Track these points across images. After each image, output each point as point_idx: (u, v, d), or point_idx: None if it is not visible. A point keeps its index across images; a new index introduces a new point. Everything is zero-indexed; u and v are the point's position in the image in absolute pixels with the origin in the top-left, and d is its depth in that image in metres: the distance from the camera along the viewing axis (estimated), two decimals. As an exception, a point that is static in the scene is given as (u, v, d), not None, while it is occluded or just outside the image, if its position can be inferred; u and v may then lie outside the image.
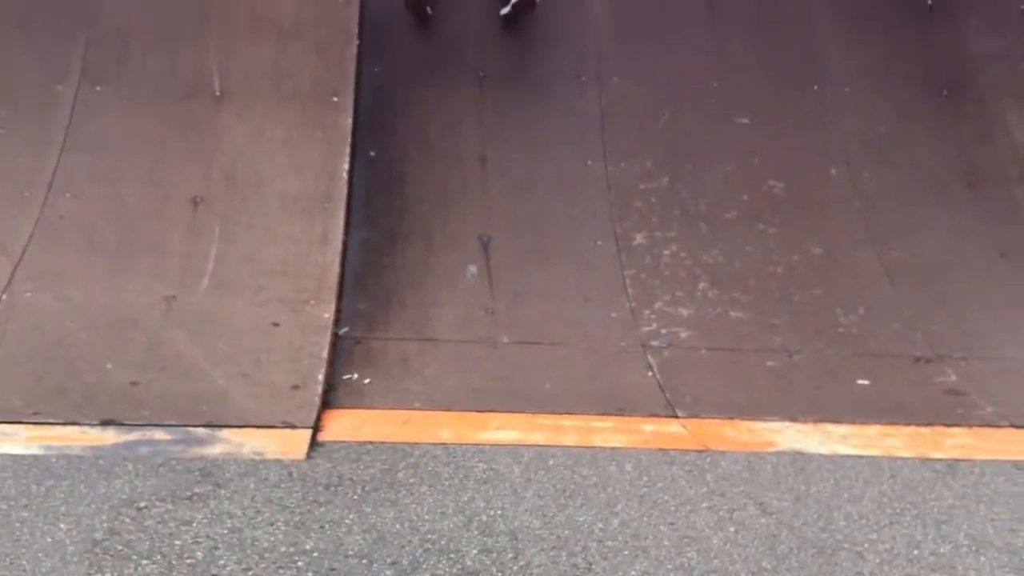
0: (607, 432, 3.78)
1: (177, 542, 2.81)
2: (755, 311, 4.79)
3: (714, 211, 5.29)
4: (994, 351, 4.59)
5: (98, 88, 5.18)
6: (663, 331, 4.63)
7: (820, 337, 4.64)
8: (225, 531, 2.90)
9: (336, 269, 4.65)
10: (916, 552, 2.98)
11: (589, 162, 5.45)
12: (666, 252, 5.08)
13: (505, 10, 5.73)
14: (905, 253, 5.14)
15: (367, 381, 4.16)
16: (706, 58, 5.83)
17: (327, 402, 3.92)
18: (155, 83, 5.22)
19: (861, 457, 3.64)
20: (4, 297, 4.28)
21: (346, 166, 5.07)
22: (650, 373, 4.34)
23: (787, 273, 5.01)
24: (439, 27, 5.80)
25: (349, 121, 5.23)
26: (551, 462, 3.47)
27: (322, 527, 2.95)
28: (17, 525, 2.86)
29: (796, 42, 5.89)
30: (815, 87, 5.76)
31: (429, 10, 5.70)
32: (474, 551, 2.86)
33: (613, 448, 3.62)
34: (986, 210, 5.37)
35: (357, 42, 5.49)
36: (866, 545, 3.01)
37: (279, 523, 2.96)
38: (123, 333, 4.16)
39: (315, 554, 2.80)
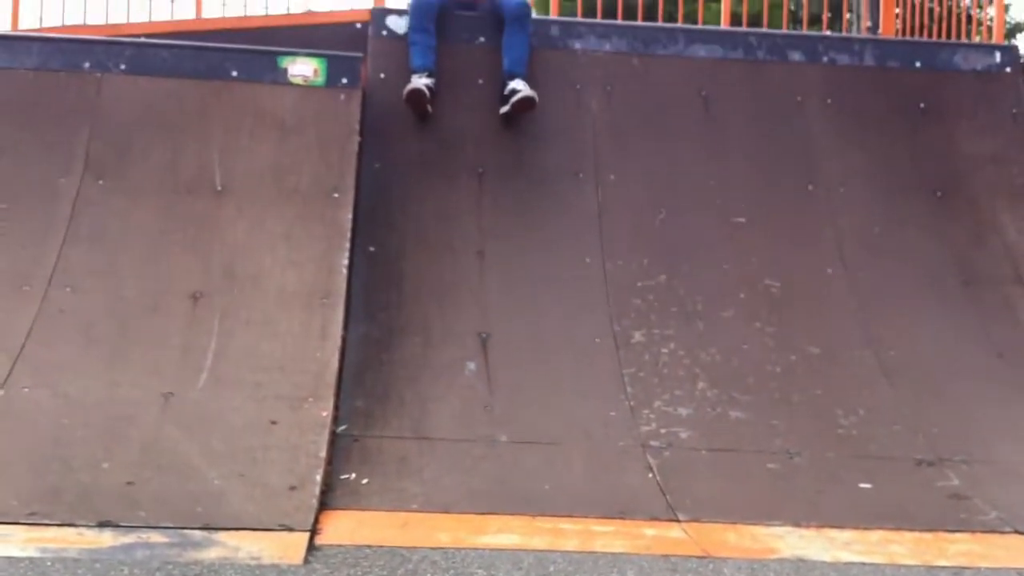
0: (608, 537, 3.74)
1: (173, 652, 2.75)
2: (754, 411, 4.77)
3: (712, 309, 5.30)
4: (995, 454, 4.57)
5: (100, 182, 5.22)
6: (662, 431, 4.61)
7: (820, 439, 4.62)
8: (222, 641, 2.84)
9: (334, 365, 4.63)
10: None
11: (587, 259, 5.47)
12: (664, 350, 5.08)
13: (505, 109, 5.80)
14: (903, 353, 5.14)
15: (365, 481, 4.12)
16: (702, 157, 5.90)
17: (324, 503, 3.87)
18: (157, 177, 5.26)
19: (865, 564, 3.60)
20: (1, 393, 4.25)
21: (345, 261, 5.09)
22: (650, 475, 4.30)
23: (786, 372, 5.01)
24: (439, 124, 5.87)
25: (349, 216, 5.27)
26: (552, 568, 3.42)
27: (320, 637, 2.90)
28: (9, 633, 2.80)
29: (791, 142, 5.97)
30: (810, 187, 5.83)
31: (429, 108, 5.77)
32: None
33: (615, 554, 3.57)
34: (982, 310, 5.40)
35: (358, 138, 5.56)
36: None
37: (277, 632, 2.91)
38: (119, 430, 4.12)
39: (314, 666, 2.74)
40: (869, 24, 10.24)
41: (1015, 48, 6.56)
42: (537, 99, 5.76)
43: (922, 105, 6.13)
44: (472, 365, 4.92)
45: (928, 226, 5.74)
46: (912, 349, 5.16)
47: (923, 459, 4.51)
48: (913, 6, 8.01)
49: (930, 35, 7.67)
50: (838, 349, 5.15)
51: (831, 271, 5.52)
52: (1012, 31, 20.61)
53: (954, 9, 7.49)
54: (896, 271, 5.53)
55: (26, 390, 4.28)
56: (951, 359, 5.13)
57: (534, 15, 6.25)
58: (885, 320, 5.31)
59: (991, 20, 7.41)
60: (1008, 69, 6.26)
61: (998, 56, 6.29)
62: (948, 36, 7.50)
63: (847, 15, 10.22)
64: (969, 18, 7.55)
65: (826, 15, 9.59)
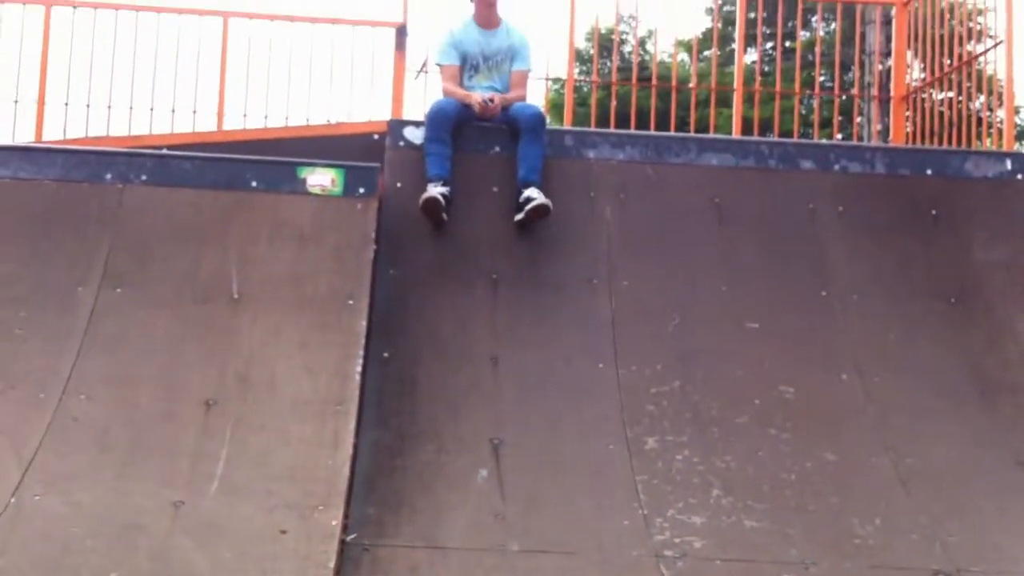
0: (620, 651, 3.68)
1: None
2: (770, 520, 4.72)
3: (726, 416, 5.28)
4: (1014, 564, 4.49)
5: (118, 290, 5.29)
6: (676, 540, 4.55)
7: (836, 549, 4.55)
8: None
9: (345, 473, 4.62)
10: None
11: (600, 365, 5.48)
12: (678, 457, 5.05)
13: (519, 217, 5.88)
14: (919, 461, 5.09)
15: (375, 593, 4.08)
16: (715, 263, 5.94)
17: (334, 614, 3.84)
18: (175, 286, 5.34)
19: None
20: (13, 500, 4.26)
21: (359, 368, 5.12)
22: (664, 586, 4.25)
23: (801, 480, 4.96)
24: (454, 231, 5.94)
25: (364, 323, 5.32)
26: None
27: None
28: None
29: (804, 249, 6.01)
30: (823, 293, 5.84)
31: (445, 216, 5.86)
32: None
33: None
34: (999, 418, 5.35)
35: (374, 247, 5.63)
36: None
37: None
38: (130, 539, 4.11)
39: None
40: (880, 127, 10.39)
41: (1026, 156, 6.62)
42: (551, 207, 5.84)
43: (934, 212, 6.17)
44: (484, 472, 4.90)
45: (943, 333, 5.72)
46: (929, 457, 5.11)
47: (941, 570, 4.44)
48: (923, 110, 8.12)
49: (940, 139, 7.75)
50: (854, 456, 5.10)
51: (846, 377, 5.50)
52: (1022, 134, 20.80)
53: (964, 112, 7.58)
54: (911, 378, 5.50)
55: (37, 498, 4.28)
56: (969, 467, 5.07)
57: (548, 125, 6.37)
58: (901, 427, 5.27)
59: (1001, 122, 7.49)
60: (1019, 176, 6.31)
61: (1009, 163, 6.35)
62: (959, 139, 7.58)
63: (858, 119, 10.38)
64: (979, 121, 7.62)
65: (837, 119, 9.72)
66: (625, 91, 9.29)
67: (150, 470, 4.50)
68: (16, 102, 7.52)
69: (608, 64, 13.07)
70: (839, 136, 13.69)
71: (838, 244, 6.03)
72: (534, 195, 5.85)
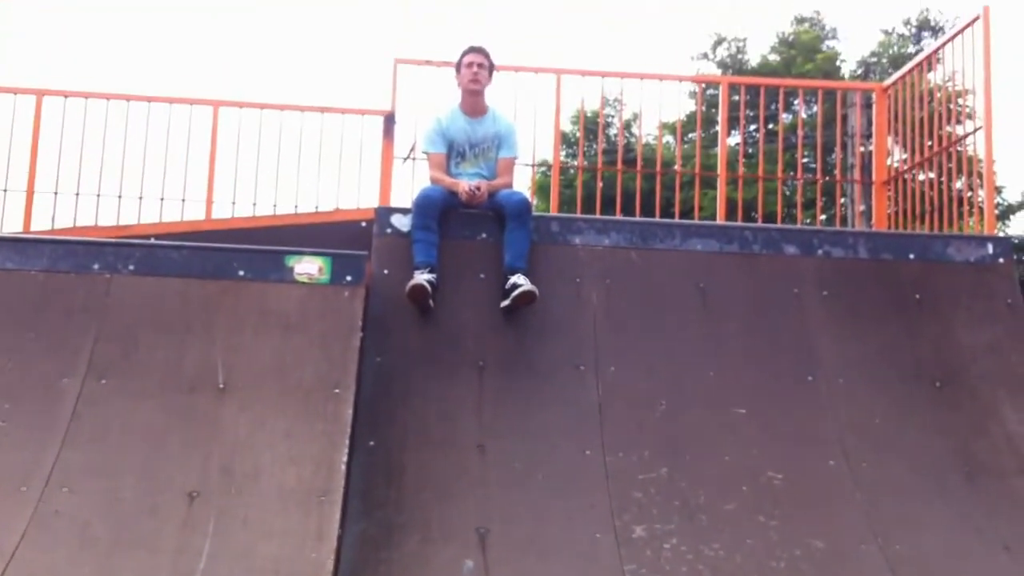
0: None
1: None
2: (759, 609, 4.67)
3: (714, 503, 5.25)
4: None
5: (103, 381, 5.28)
6: (666, 632, 4.51)
7: (827, 639, 4.51)
8: None
9: (329, 567, 4.57)
10: None
11: (587, 452, 5.46)
12: (666, 546, 5.01)
13: (506, 303, 5.90)
14: (908, 547, 5.06)
15: None
16: (701, 348, 5.96)
17: None
18: (160, 376, 5.32)
19: None
20: (-7, 597, 4.21)
21: (345, 458, 5.09)
22: None
23: (790, 568, 4.92)
24: (441, 318, 5.95)
25: (350, 412, 5.30)
26: None
27: None
28: None
29: (789, 333, 6.04)
30: (809, 378, 5.85)
31: (432, 302, 5.88)
32: None
33: None
34: (987, 503, 5.33)
35: (360, 334, 5.63)
36: None
37: None
38: (111, 638, 4.05)
39: None
40: (863, 208, 10.49)
41: (1007, 239, 6.68)
42: (537, 293, 5.87)
43: (918, 296, 6.22)
44: (470, 563, 4.85)
45: (929, 417, 5.73)
46: (918, 543, 5.09)
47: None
48: (904, 193, 8.21)
49: (923, 220, 7.83)
50: (843, 543, 5.08)
51: (833, 463, 5.49)
52: (1005, 213, 21.04)
53: (945, 192, 7.67)
54: (899, 463, 5.50)
55: (19, 595, 4.23)
56: (958, 553, 5.04)
57: (535, 209, 6.43)
58: (890, 513, 5.25)
59: (983, 202, 7.58)
60: (1001, 260, 6.36)
61: (990, 247, 6.41)
62: (941, 219, 7.66)
63: (841, 200, 10.49)
64: (961, 201, 7.71)
65: (820, 201, 9.83)
66: (611, 174, 9.39)
67: (131, 566, 4.44)
68: (5, 191, 7.57)
69: (594, 146, 13.22)
70: (822, 217, 13.82)
71: (823, 328, 6.06)
72: (520, 281, 5.88)
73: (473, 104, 6.49)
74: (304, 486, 4.91)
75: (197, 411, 5.20)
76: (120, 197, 7.64)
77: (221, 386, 5.32)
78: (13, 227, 7.41)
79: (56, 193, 7.65)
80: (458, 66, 6.50)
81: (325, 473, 5.00)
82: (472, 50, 6.45)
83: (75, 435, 5.02)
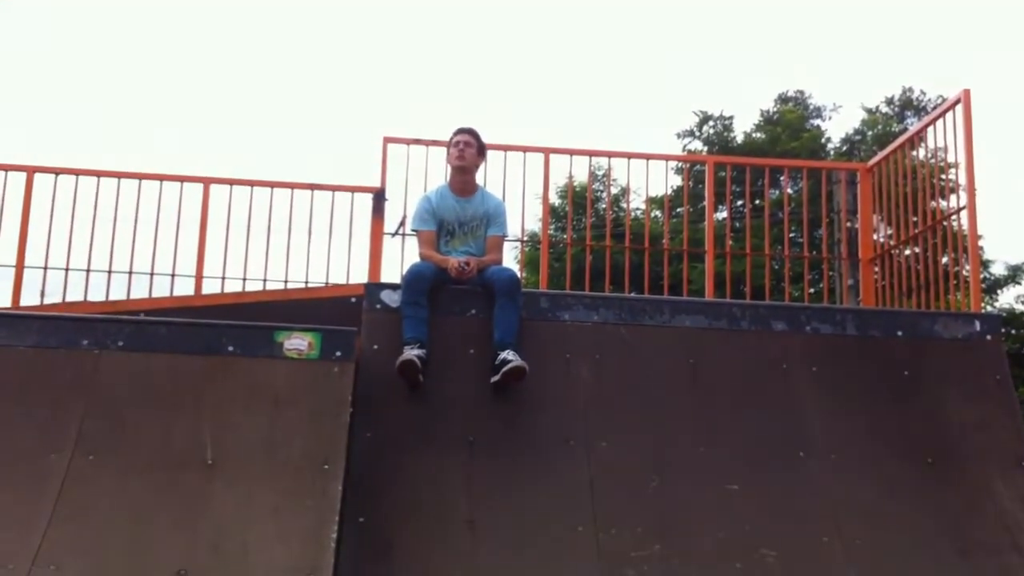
0: None
1: None
2: None
3: (708, 581, 5.21)
4: None
5: (91, 458, 5.24)
6: None
7: None
8: None
9: (320, 645, 4.51)
10: None
11: (579, 528, 5.42)
12: (661, 625, 4.96)
13: (495, 378, 5.89)
14: (904, 625, 5.03)
15: None
16: (692, 423, 5.96)
17: None
18: (148, 453, 5.29)
19: None
20: None
21: (334, 535, 5.04)
22: None
23: (785, 648, 4.87)
24: (431, 393, 5.94)
25: (339, 488, 5.26)
26: None
27: None
28: None
29: (779, 410, 6.03)
30: (800, 454, 5.85)
31: (421, 378, 5.87)
32: None
33: None
34: (982, 579, 5.31)
35: (350, 410, 5.61)
36: None
37: None
38: None
39: None
40: (851, 282, 10.56)
41: (995, 316, 6.73)
42: (527, 369, 5.87)
43: (907, 373, 6.24)
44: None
45: (921, 493, 5.72)
46: (914, 621, 5.04)
47: None
48: (891, 269, 8.28)
49: (910, 295, 7.88)
50: (839, 621, 5.03)
51: (827, 540, 5.46)
52: (992, 287, 21.18)
53: (932, 268, 7.73)
54: (892, 540, 5.48)
55: None
56: (954, 632, 5.00)
57: (524, 284, 6.45)
58: (884, 591, 5.22)
59: (969, 276, 7.64)
60: (989, 337, 6.40)
61: (978, 325, 6.45)
62: (928, 294, 7.71)
63: (828, 274, 10.57)
64: (948, 276, 7.77)
65: (807, 276, 9.88)
66: (600, 248, 9.45)
67: (118, 647, 4.37)
68: (-5, 266, 7.57)
69: (583, 220, 13.32)
70: (811, 291, 13.91)
71: (813, 405, 6.06)
72: (510, 357, 5.88)
73: (462, 183, 6.56)
74: (293, 563, 4.87)
75: (185, 488, 5.16)
76: (110, 273, 7.65)
77: (209, 462, 5.29)
78: (2, 302, 7.41)
79: (45, 268, 7.67)
80: (448, 146, 6.60)
81: (314, 550, 4.95)
82: (460, 131, 6.55)
83: (62, 512, 4.97)
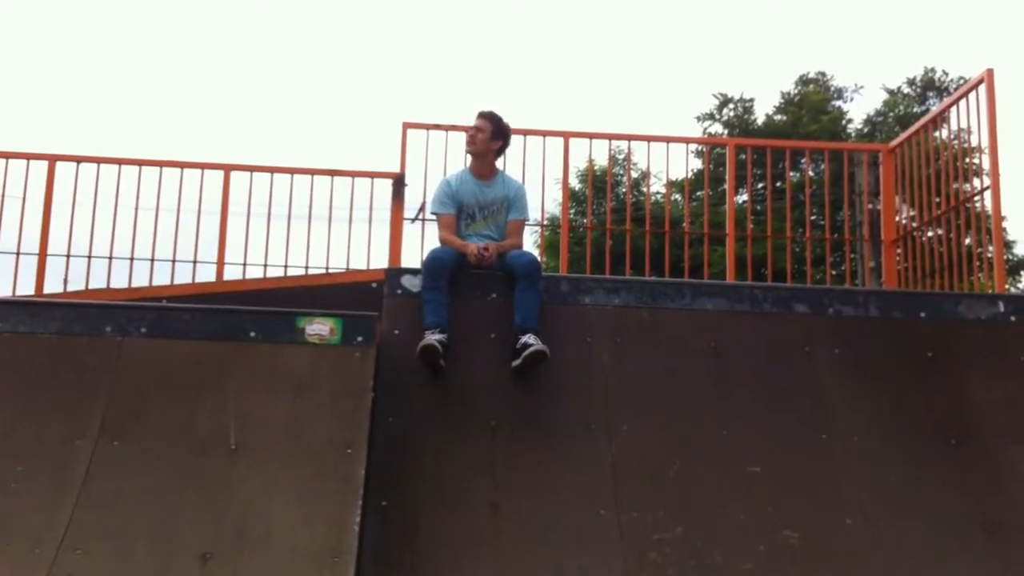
0: None
1: None
2: (777, 672, 4.61)
3: (730, 562, 5.21)
4: None
5: (116, 443, 5.28)
6: None
7: None
8: None
9: (344, 627, 4.54)
10: None
11: (601, 511, 5.42)
12: (682, 606, 4.96)
13: (516, 363, 5.90)
14: (929, 607, 5.01)
15: None
16: (714, 407, 5.94)
17: None
18: (172, 437, 5.33)
19: None
20: (6, 663, 4.18)
21: (358, 519, 5.06)
22: None
23: (809, 629, 4.87)
24: (452, 378, 5.95)
25: (362, 472, 5.28)
26: None
27: None
28: None
29: (802, 391, 6.01)
30: (823, 436, 5.82)
31: (442, 362, 5.88)
32: None
33: None
34: (1007, 560, 5.28)
35: (372, 395, 5.63)
36: None
37: None
38: None
39: None
40: (872, 265, 10.49)
41: (1019, 297, 6.70)
42: (548, 353, 5.86)
43: (930, 354, 6.20)
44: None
45: (945, 474, 5.69)
46: (939, 603, 5.03)
47: None
48: (914, 250, 8.22)
49: (933, 277, 7.83)
50: (862, 604, 5.02)
51: (850, 521, 5.44)
52: (1015, 268, 21.01)
53: (955, 249, 7.68)
54: (917, 521, 5.45)
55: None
56: (978, 613, 4.98)
57: (544, 269, 6.44)
58: (909, 572, 5.20)
59: (992, 257, 7.59)
60: (1013, 318, 6.35)
61: (1001, 306, 6.40)
62: (951, 276, 7.66)
63: (850, 256, 10.50)
64: (971, 257, 7.72)
65: (829, 258, 9.85)
66: (620, 232, 9.43)
67: (144, 631, 4.41)
68: (18, 254, 7.61)
69: (603, 204, 13.28)
70: (833, 273, 13.82)
71: (836, 386, 6.04)
72: (531, 341, 5.88)
73: (482, 167, 6.55)
74: (316, 547, 4.89)
75: (209, 472, 5.20)
76: (132, 260, 7.69)
77: (233, 447, 5.32)
78: (26, 290, 7.45)
79: (68, 256, 7.71)
80: (466, 130, 6.61)
81: (337, 534, 4.98)
82: (478, 116, 6.53)
83: (88, 496, 5.02)
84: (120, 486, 5.10)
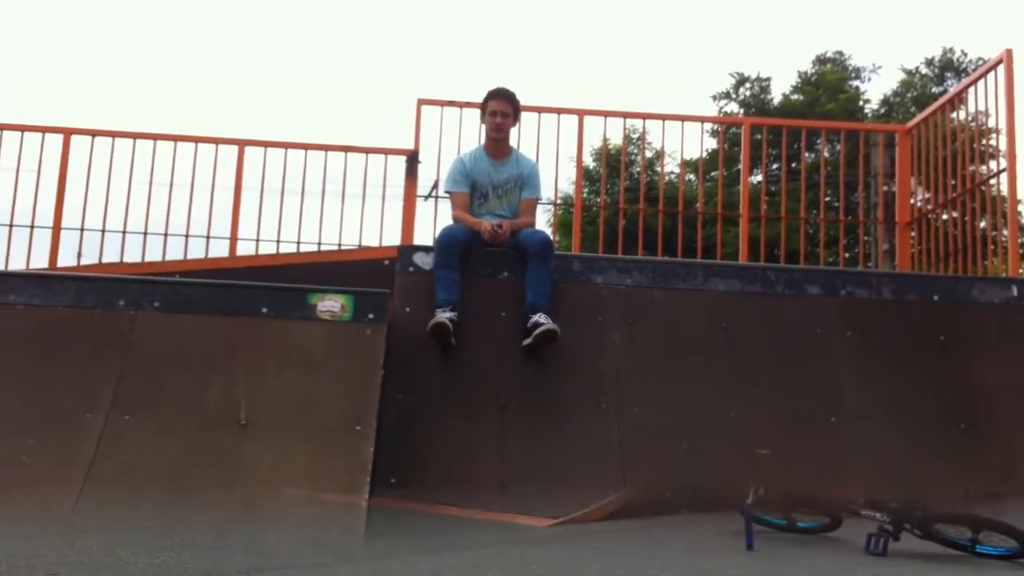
0: None
1: None
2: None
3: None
4: None
5: (127, 417, 5.30)
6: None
7: None
8: None
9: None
10: None
11: (609, 492, 5.43)
12: (690, 588, 4.96)
13: (527, 341, 5.89)
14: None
15: None
16: (724, 388, 5.93)
17: None
18: (183, 412, 5.35)
19: None
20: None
21: (366, 496, 5.08)
22: None
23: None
24: (462, 356, 5.96)
25: (371, 449, 5.29)
26: None
27: None
28: None
29: (812, 375, 6.00)
30: (832, 419, 5.82)
31: (453, 340, 5.88)
32: None
33: None
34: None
35: (382, 372, 5.64)
36: None
37: None
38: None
39: None
40: (886, 247, 10.44)
41: (1032, 282, 6.64)
42: (559, 332, 5.86)
43: (942, 337, 6.18)
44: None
45: (955, 458, 5.68)
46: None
47: None
48: (928, 233, 8.18)
49: (947, 260, 7.80)
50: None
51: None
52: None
53: (969, 232, 7.63)
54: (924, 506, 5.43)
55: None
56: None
57: (557, 248, 6.43)
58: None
59: (1007, 241, 7.54)
60: (1026, 302, 6.33)
61: (1015, 290, 6.37)
62: (965, 259, 7.62)
63: (864, 238, 10.44)
64: (985, 241, 7.68)
65: (842, 240, 9.80)
66: (633, 212, 9.40)
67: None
68: (32, 228, 7.64)
69: (616, 183, 13.23)
70: (846, 255, 13.78)
71: (847, 369, 6.02)
72: (542, 320, 5.88)
73: (497, 147, 6.53)
74: (326, 522, 4.88)
75: (220, 447, 5.22)
76: (145, 235, 7.71)
77: (243, 423, 5.34)
78: (40, 263, 7.48)
79: (82, 230, 7.73)
80: (483, 108, 6.54)
81: (347, 510, 4.98)
82: (497, 96, 6.47)
83: (98, 471, 5.04)
84: (130, 461, 5.12)
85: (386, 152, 8.02)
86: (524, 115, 6.84)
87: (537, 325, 5.87)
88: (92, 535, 4.38)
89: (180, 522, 4.85)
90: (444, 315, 5.86)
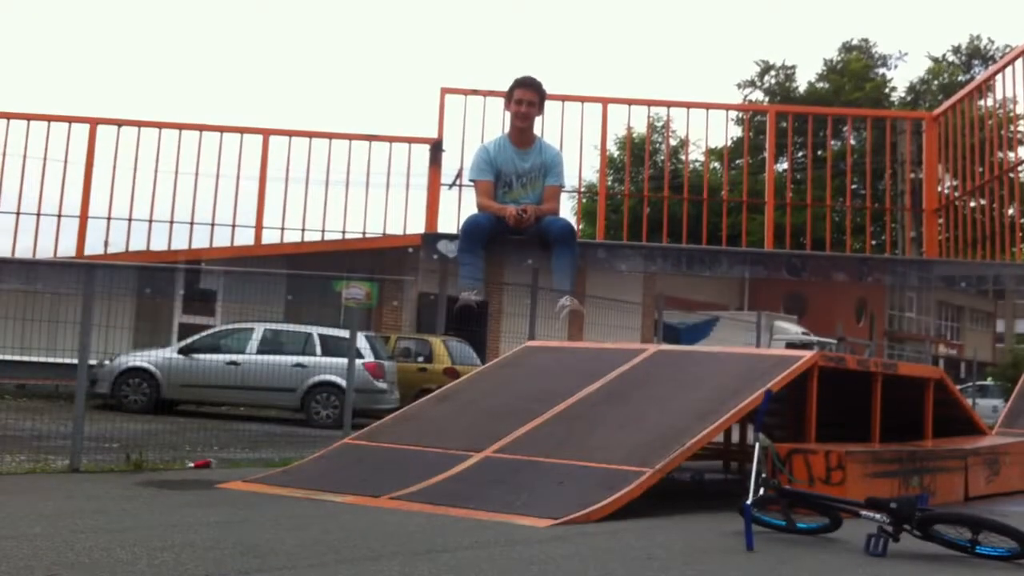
0: None
1: None
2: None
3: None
4: None
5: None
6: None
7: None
8: None
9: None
10: None
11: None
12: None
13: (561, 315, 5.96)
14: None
15: None
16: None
17: None
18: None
19: None
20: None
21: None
22: None
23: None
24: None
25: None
26: None
27: None
28: None
29: (838, 361, 5.96)
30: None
31: (478, 322, 5.89)
32: None
33: None
34: None
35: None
36: None
37: None
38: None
39: None
40: (913, 235, 10.38)
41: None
42: (585, 313, 5.87)
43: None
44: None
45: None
46: None
47: None
48: (955, 220, 8.11)
49: (974, 247, 7.73)
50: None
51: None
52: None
53: (997, 219, 7.56)
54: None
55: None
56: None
57: (581, 236, 6.42)
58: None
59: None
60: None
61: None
62: (992, 246, 7.55)
63: (891, 226, 10.38)
64: (1013, 228, 7.60)
65: (869, 228, 9.74)
66: (658, 200, 9.38)
67: None
68: (60, 216, 7.68)
69: (640, 171, 13.20)
70: (872, 243, 13.70)
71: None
72: (566, 302, 5.91)
73: (521, 135, 6.51)
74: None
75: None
76: (171, 223, 7.73)
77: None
78: (67, 252, 7.52)
79: (109, 219, 7.76)
80: (508, 97, 6.52)
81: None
82: (523, 85, 6.44)
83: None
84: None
85: (410, 141, 8.00)
86: (548, 104, 6.82)
87: (563, 308, 5.91)
88: (92, 535, 4.42)
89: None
90: (472, 297, 5.87)
